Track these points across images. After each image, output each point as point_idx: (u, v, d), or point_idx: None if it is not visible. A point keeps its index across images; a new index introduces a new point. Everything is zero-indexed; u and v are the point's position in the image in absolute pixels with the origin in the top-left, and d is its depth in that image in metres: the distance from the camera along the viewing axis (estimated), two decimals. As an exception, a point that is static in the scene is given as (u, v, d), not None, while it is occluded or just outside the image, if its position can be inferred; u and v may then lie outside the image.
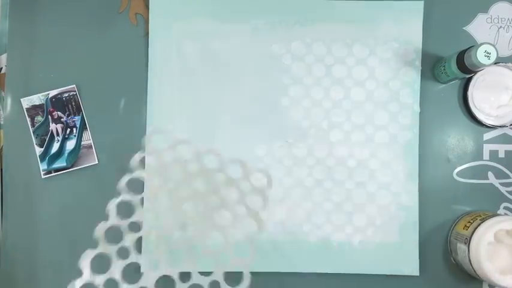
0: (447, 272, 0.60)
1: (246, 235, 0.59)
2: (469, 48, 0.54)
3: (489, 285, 0.60)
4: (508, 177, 0.61)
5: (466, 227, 0.56)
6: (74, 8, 0.63)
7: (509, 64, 0.60)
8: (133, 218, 0.60)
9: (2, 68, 0.63)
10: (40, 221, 0.61)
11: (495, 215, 0.55)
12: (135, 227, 0.60)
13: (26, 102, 0.62)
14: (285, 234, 0.60)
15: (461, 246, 0.56)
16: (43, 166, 0.61)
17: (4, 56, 0.63)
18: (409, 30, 0.61)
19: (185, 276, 0.60)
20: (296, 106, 0.61)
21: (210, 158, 0.60)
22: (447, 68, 0.58)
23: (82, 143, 0.61)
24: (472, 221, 0.56)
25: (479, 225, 0.54)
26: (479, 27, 0.62)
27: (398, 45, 0.61)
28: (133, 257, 0.59)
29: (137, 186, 0.60)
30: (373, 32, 0.61)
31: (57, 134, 0.61)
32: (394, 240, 0.59)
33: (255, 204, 0.60)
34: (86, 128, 0.62)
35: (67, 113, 0.62)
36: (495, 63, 0.58)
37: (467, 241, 0.54)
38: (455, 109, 0.62)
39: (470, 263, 0.54)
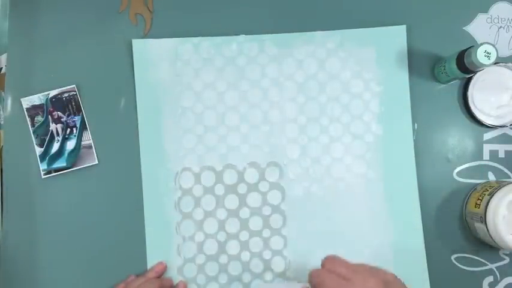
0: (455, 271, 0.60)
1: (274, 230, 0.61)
2: (469, 48, 0.54)
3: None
4: (508, 177, 0.61)
5: (477, 205, 0.56)
6: (73, 8, 0.63)
7: (509, 64, 0.60)
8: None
9: (2, 68, 0.63)
10: (40, 221, 0.61)
11: (500, 185, 0.55)
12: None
13: (26, 102, 0.62)
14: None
15: (479, 226, 0.56)
16: (43, 166, 0.61)
17: (4, 56, 0.63)
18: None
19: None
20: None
21: (228, 173, 0.61)
22: (447, 68, 0.58)
23: (82, 143, 0.61)
24: (481, 197, 0.56)
25: (489, 201, 0.54)
26: (479, 27, 0.62)
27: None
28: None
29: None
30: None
31: (57, 134, 0.61)
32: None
33: (276, 199, 0.61)
34: (86, 128, 0.62)
35: (67, 113, 0.62)
36: (495, 63, 0.58)
37: (483, 219, 0.54)
38: (455, 109, 0.62)
39: (493, 240, 0.54)
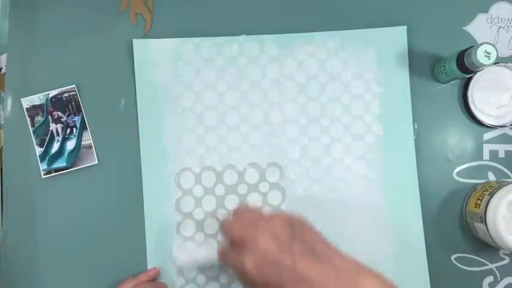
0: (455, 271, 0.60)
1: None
2: (469, 48, 0.54)
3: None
4: (508, 177, 0.61)
5: (477, 205, 0.56)
6: (73, 8, 0.63)
7: (509, 64, 0.60)
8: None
9: (2, 68, 0.63)
10: (40, 221, 0.61)
11: (500, 185, 0.55)
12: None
13: (26, 102, 0.61)
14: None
15: (479, 226, 0.56)
16: (43, 166, 0.61)
17: (4, 56, 0.63)
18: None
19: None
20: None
21: (228, 174, 0.61)
22: (447, 68, 0.58)
23: (82, 143, 0.61)
24: (481, 197, 0.56)
25: (489, 201, 0.54)
26: (479, 27, 0.62)
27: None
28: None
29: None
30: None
31: (57, 134, 0.61)
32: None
33: (276, 200, 0.61)
34: (86, 128, 0.62)
35: (67, 113, 0.62)
36: (495, 63, 0.58)
37: (483, 219, 0.54)
38: (455, 109, 0.62)
39: (493, 240, 0.54)
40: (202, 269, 0.60)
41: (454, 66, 0.56)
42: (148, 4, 0.63)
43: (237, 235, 0.46)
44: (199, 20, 0.63)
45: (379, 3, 0.62)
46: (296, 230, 0.45)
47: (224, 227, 0.49)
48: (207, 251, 0.59)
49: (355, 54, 0.62)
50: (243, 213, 0.49)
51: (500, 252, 0.60)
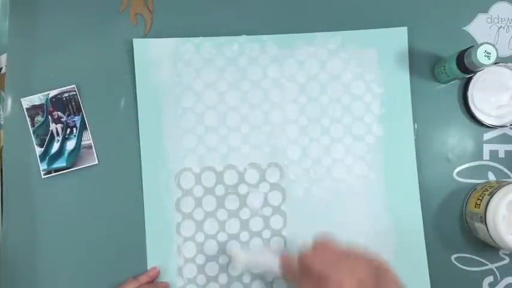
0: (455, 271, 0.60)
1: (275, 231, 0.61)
2: (469, 48, 0.54)
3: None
4: (508, 177, 0.61)
5: (477, 205, 0.56)
6: (73, 7, 0.63)
7: (509, 64, 0.60)
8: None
9: (2, 68, 0.63)
10: (40, 221, 0.61)
11: (500, 185, 0.55)
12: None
13: (26, 102, 0.61)
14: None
15: (479, 226, 0.56)
16: (43, 166, 0.61)
17: (4, 56, 0.63)
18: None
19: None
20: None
21: (228, 174, 0.61)
22: (447, 68, 0.58)
23: (82, 143, 0.61)
24: (481, 197, 0.56)
25: (489, 201, 0.54)
26: (479, 27, 0.62)
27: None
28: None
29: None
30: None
31: (57, 134, 0.61)
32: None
33: (276, 200, 0.61)
34: (86, 128, 0.62)
35: (67, 113, 0.62)
36: (495, 63, 0.58)
37: (483, 219, 0.55)
38: (455, 109, 0.62)
39: (493, 240, 0.54)
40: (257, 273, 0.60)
41: (454, 66, 0.56)
42: (148, 4, 0.63)
43: (318, 270, 0.46)
44: (199, 20, 0.63)
45: (380, 4, 0.63)
46: (380, 279, 0.46)
47: (303, 258, 0.48)
48: (268, 257, 0.57)
49: (355, 55, 0.62)
50: (324, 247, 0.49)
51: (500, 252, 0.60)
